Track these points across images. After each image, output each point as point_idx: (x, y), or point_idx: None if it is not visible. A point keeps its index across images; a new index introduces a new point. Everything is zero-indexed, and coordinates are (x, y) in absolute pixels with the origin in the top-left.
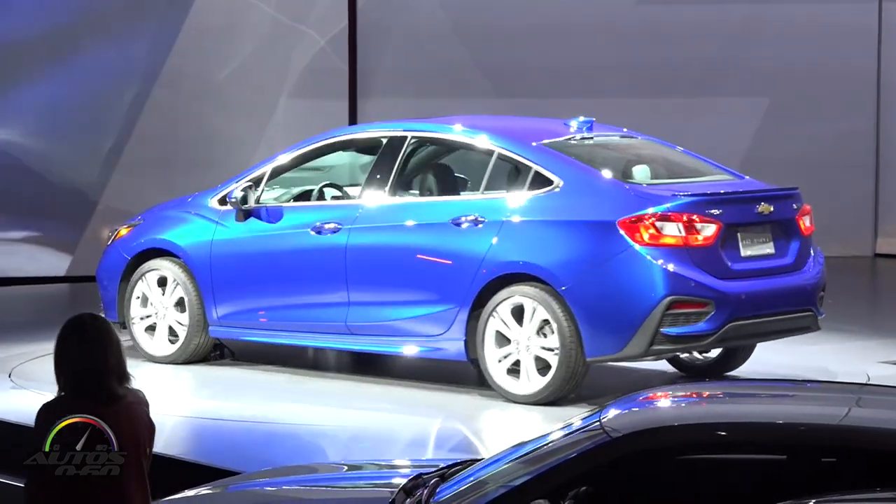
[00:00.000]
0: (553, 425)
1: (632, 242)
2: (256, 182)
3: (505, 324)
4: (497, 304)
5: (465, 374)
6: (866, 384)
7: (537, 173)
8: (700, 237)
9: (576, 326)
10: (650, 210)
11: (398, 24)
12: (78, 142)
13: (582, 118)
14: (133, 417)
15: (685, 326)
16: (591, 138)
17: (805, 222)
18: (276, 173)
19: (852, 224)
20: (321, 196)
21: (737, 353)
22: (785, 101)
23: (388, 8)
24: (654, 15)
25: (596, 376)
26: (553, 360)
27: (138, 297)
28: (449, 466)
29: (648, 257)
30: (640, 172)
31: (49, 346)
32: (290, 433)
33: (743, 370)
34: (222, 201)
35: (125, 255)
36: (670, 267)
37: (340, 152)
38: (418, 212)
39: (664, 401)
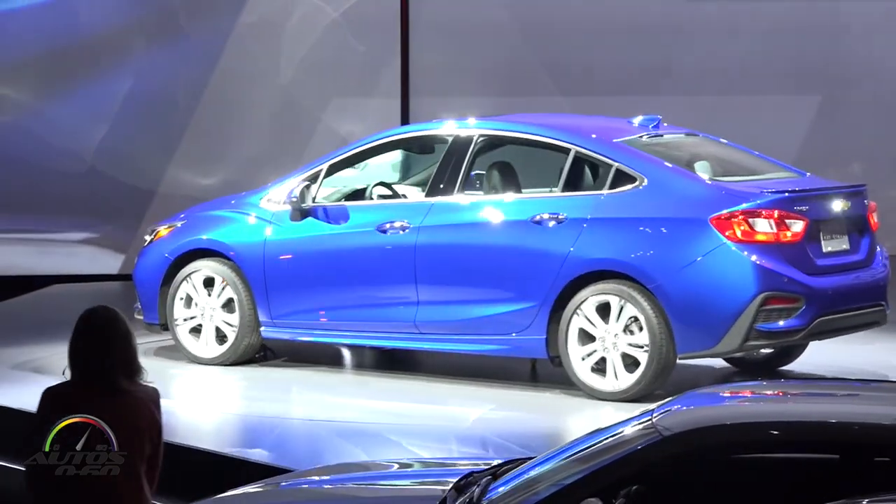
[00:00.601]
0: (604, 423)
1: (725, 239)
2: (311, 181)
3: (590, 321)
4: (581, 302)
5: (519, 370)
6: None
7: (619, 171)
8: (789, 233)
9: (666, 323)
10: (742, 207)
11: (449, 20)
12: (136, 141)
13: (641, 117)
14: (136, 413)
15: (777, 322)
16: (661, 136)
17: (874, 218)
18: (331, 172)
19: None
20: (373, 195)
21: (790, 351)
22: (837, 99)
23: (439, 3)
24: (719, 11)
25: None
26: (642, 356)
27: (182, 299)
28: (501, 465)
29: (743, 253)
30: (702, 169)
31: None
32: (346, 431)
33: (794, 367)
34: (273, 201)
35: (167, 255)
36: (764, 263)
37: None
38: (494, 210)
39: (716, 399)
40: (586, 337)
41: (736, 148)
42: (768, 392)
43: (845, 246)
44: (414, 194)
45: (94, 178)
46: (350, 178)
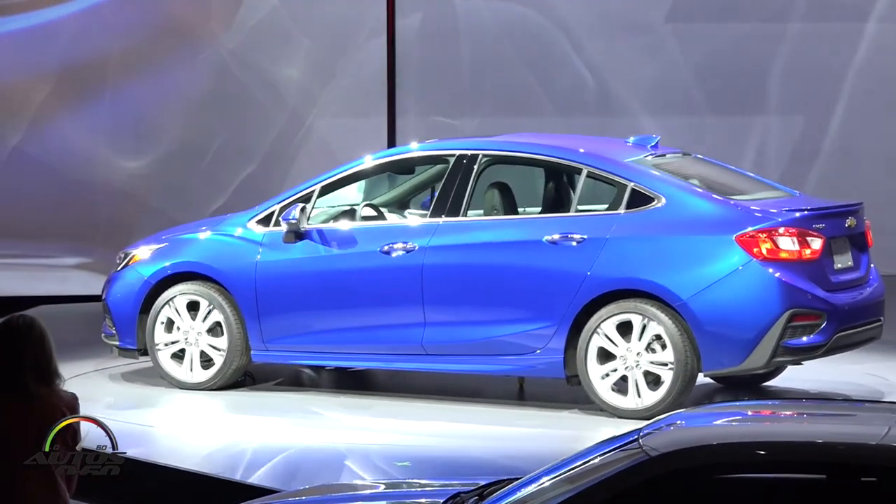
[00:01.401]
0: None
1: (751, 257)
2: (303, 203)
3: (610, 340)
4: (602, 321)
5: (506, 389)
6: None
7: (635, 191)
8: (809, 251)
9: (691, 340)
10: (766, 225)
11: (436, 40)
12: (125, 166)
13: (633, 137)
14: (45, 417)
15: (802, 338)
16: (664, 155)
17: (870, 235)
18: (324, 193)
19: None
20: (362, 216)
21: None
22: (823, 119)
23: (425, 32)
24: (691, 33)
25: None
26: (666, 374)
27: (162, 323)
28: (487, 485)
29: (769, 271)
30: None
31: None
32: (333, 452)
33: (784, 387)
34: (263, 222)
35: (148, 279)
36: (789, 280)
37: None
38: (506, 230)
39: (703, 419)
40: (604, 356)
41: (727, 168)
42: (755, 412)
43: (850, 263)
44: (410, 216)
45: (80, 202)
46: (332, 200)
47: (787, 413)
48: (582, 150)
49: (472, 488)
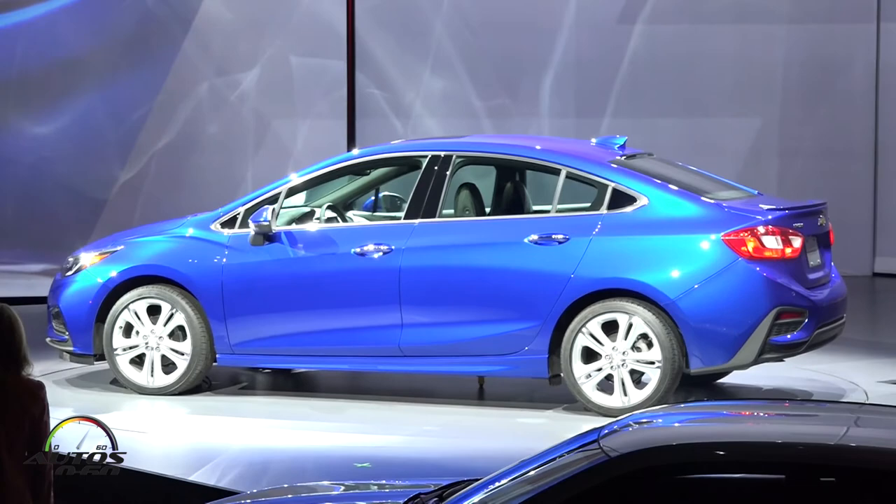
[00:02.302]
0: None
1: (738, 256)
2: (270, 204)
3: (595, 339)
4: (587, 320)
5: (467, 389)
6: (865, 403)
7: (616, 191)
8: (790, 249)
9: (678, 339)
10: (750, 224)
11: (396, 41)
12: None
13: (596, 138)
14: (9, 404)
15: (786, 335)
16: (634, 156)
17: (832, 235)
18: (290, 194)
19: (851, 243)
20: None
21: None
22: (782, 120)
23: (386, 23)
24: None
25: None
26: (653, 373)
27: (121, 327)
28: (448, 486)
29: (756, 269)
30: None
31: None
32: (295, 453)
33: (742, 388)
34: (227, 224)
35: (106, 283)
36: (775, 278)
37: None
38: (486, 230)
39: (663, 420)
40: (588, 355)
41: (689, 168)
42: (714, 412)
43: (819, 261)
44: (381, 218)
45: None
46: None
47: (747, 413)
48: (559, 151)
49: (433, 489)
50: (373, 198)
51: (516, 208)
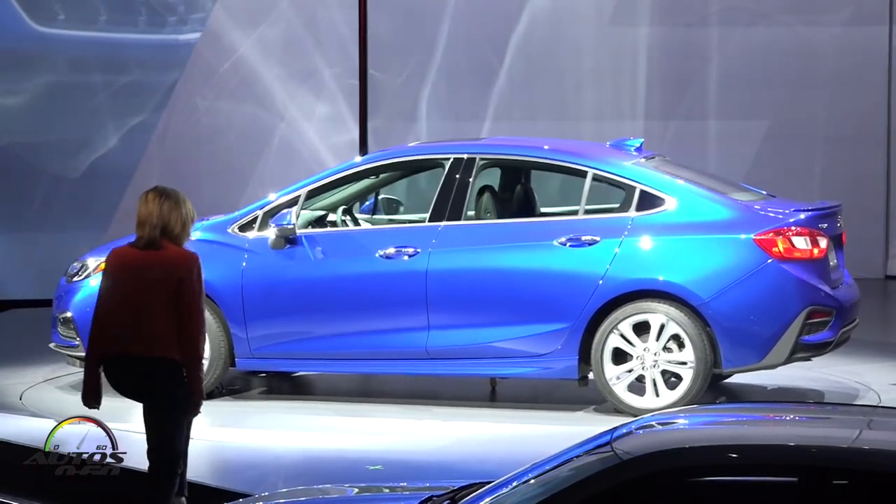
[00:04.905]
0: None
1: (770, 256)
2: (290, 207)
3: (627, 340)
4: (618, 322)
5: (479, 391)
6: (878, 406)
7: (644, 192)
8: (817, 249)
9: (710, 339)
10: (781, 225)
11: (406, 43)
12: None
13: (610, 140)
14: (164, 264)
15: (816, 334)
16: (653, 158)
17: (845, 236)
18: (310, 197)
19: (864, 246)
20: (342, 222)
21: None
22: (791, 124)
23: (397, 26)
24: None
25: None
26: (686, 373)
27: None
28: (460, 489)
29: (788, 269)
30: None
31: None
32: (307, 455)
33: (754, 391)
34: (245, 227)
35: None
36: (806, 278)
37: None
38: (515, 232)
39: (675, 423)
40: (620, 356)
41: (701, 171)
42: (727, 415)
43: (835, 262)
44: (402, 221)
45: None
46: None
47: (760, 416)
48: (585, 154)
49: (445, 492)
50: (369, 202)
51: (528, 210)
